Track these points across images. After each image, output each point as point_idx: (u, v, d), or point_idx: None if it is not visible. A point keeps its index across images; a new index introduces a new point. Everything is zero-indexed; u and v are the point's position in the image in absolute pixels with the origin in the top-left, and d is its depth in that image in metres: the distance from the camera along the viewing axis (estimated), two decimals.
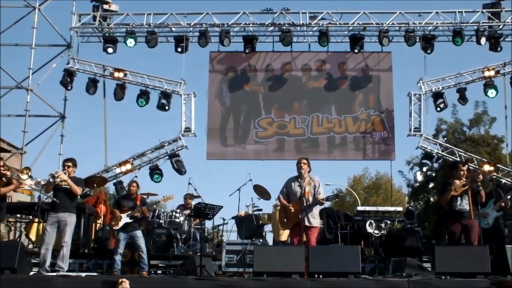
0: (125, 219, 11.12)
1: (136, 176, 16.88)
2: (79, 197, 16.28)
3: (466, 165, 10.40)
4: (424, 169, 18.83)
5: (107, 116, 18.55)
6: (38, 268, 9.87)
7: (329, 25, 17.26)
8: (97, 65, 17.62)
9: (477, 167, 16.73)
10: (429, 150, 17.23)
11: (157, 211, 13.78)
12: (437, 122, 29.12)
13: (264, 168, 44.33)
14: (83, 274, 9.69)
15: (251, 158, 17.87)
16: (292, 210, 9.96)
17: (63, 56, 18.02)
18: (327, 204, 11.95)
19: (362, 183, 42.46)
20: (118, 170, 17.36)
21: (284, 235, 12.39)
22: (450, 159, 17.21)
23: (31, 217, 13.57)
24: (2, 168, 10.36)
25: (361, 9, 17.31)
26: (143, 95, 17.37)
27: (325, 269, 9.00)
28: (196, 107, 17.55)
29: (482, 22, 17.04)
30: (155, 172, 17.13)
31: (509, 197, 11.48)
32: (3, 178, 10.27)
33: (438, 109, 17.21)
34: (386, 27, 17.05)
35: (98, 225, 13.78)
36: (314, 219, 10.05)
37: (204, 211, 11.27)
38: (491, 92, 16.98)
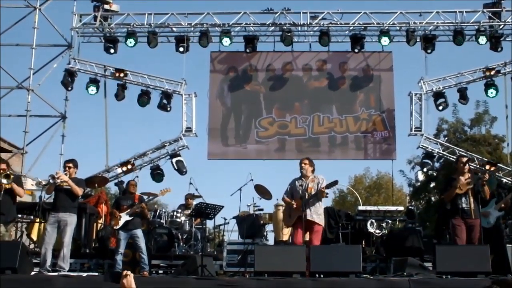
0: (124, 217, 11.14)
1: (137, 176, 16.94)
2: (80, 197, 16.42)
3: (467, 159, 10.40)
4: (425, 168, 18.81)
5: (108, 116, 18.58)
6: (39, 268, 9.88)
7: (330, 25, 17.27)
8: (98, 65, 17.63)
9: (478, 167, 16.73)
10: (430, 150, 17.23)
11: (158, 211, 13.80)
12: (438, 121, 29.13)
13: (265, 168, 44.26)
14: (84, 274, 9.70)
15: (252, 158, 17.88)
16: (295, 205, 10.02)
17: (64, 56, 18.05)
18: (328, 203, 11.93)
19: (363, 183, 42.40)
20: (119, 170, 17.37)
21: (286, 234, 12.41)
22: (451, 158, 17.22)
23: (32, 217, 13.58)
24: (3, 171, 10.35)
25: (362, 9, 17.32)
26: (144, 95, 17.39)
27: (326, 268, 9.00)
28: (197, 107, 17.59)
29: (483, 22, 17.03)
30: (156, 172, 17.15)
31: (510, 197, 11.50)
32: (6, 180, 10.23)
33: (441, 107, 17.20)
34: (387, 27, 17.05)
35: (99, 225, 13.78)
36: (319, 216, 10.11)
37: (205, 211, 11.28)
38: (491, 92, 16.99)
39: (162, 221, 13.22)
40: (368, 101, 17.62)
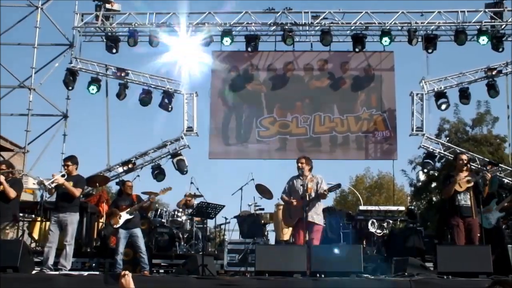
0: (124, 216, 11.14)
1: (138, 176, 16.94)
2: (81, 196, 16.41)
3: (466, 156, 10.39)
4: (426, 169, 18.82)
5: (109, 116, 18.61)
6: (41, 266, 9.89)
7: (331, 24, 17.24)
8: (99, 64, 17.65)
9: (479, 166, 16.72)
10: (432, 150, 17.23)
11: (159, 210, 13.79)
12: (439, 121, 29.15)
13: (266, 167, 44.26)
14: (85, 273, 9.70)
15: (253, 157, 17.86)
16: (295, 203, 10.02)
17: (66, 55, 18.04)
18: (329, 203, 11.93)
19: (364, 183, 42.44)
20: (120, 169, 17.37)
21: (286, 234, 12.41)
22: (453, 158, 17.21)
23: (33, 216, 13.60)
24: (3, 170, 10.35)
25: (363, 8, 17.30)
26: (146, 95, 17.40)
27: (327, 268, 9.00)
28: (198, 106, 17.59)
29: (485, 22, 17.01)
30: (157, 171, 17.16)
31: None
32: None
33: (443, 107, 17.18)
34: (388, 27, 17.03)
35: (100, 224, 13.80)
36: (318, 216, 10.11)
37: (206, 210, 11.28)
38: (494, 93, 17.04)
39: (163, 220, 13.23)
40: (369, 101, 17.61)
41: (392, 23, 17.09)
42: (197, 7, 17.95)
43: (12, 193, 10.26)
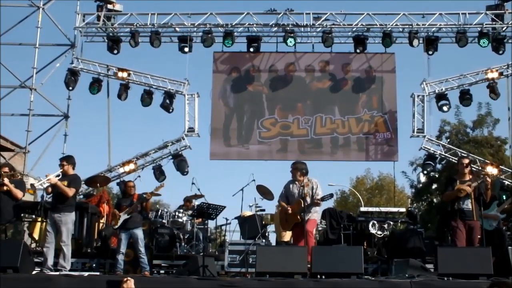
0: (123, 217, 11.14)
1: (139, 176, 16.92)
2: (82, 196, 16.42)
3: (468, 160, 10.38)
4: (426, 171, 18.83)
5: (110, 116, 18.63)
6: (41, 267, 9.88)
7: (333, 26, 17.28)
8: (101, 64, 17.68)
9: (480, 168, 16.72)
10: (432, 151, 17.25)
11: (160, 210, 13.78)
12: (440, 123, 29.11)
13: (267, 169, 44.38)
14: (86, 274, 9.68)
15: (255, 158, 17.90)
16: (290, 211, 10.06)
17: (67, 55, 18.08)
18: (330, 204, 11.95)
19: (365, 184, 42.40)
20: (121, 170, 17.41)
21: (287, 235, 12.40)
22: (453, 160, 17.21)
23: (34, 216, 13.59)
24: (5, 173, 10.37)
25: (365, 10, 17.35)
26: (147, 95, 17.42)
27: (328, 269, 8.99)
28: (199, 107, 17.61)
29: (486, 24, 17.02)
30: (159, 172, 17.18)
31: None
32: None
33: (445, 108, 17.21)
34: (389, 28, 17.04)
35: (101, 224, 13.79)
36: (314, 213, 10.27)
37: (207, 211, 11.28)
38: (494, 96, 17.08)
39: (164, 221, 13.20)
40: (370, 103, 17.62)
41: (394, 24, 17.11)
42: (198, 8, 17.97)
43: (19, 194, 10.36)
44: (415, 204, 32.56)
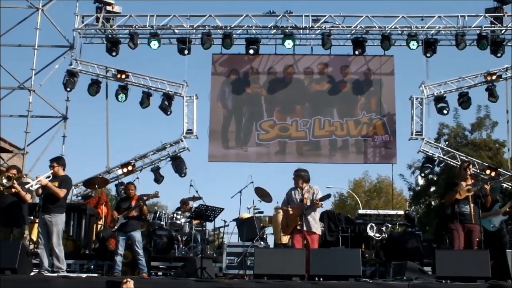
0: (121, 219, 11.12)
1: (137, 178, 16.93)
2: (80, 198, 16.41)
3: (466, 170, 10.40)
4: (423, 173, 18.83)
5: (109, 118, 18.63)
6: (39, 269, 9.87)
7: (332, 28, 17.29)
8: (99, 66, 17.67)
9: (478, 171, 16.74)
10: (431, 154, 17.26)
11: (158, 212, 13.78)
12: (438, 126, 29.11)
13: (266, 171, 44.29)
14: (84, 275, 9.68)
15: (253, 161, 17.89)
16: (291, 212, 10.06)
17: (66, 57, 18.06)
18: (328, 207, 11.96)
19: (363, 186, 42.39)
20: (119, 172, 17.40)
21: (285, 237, 12.40)
22: (452, 163, 17.25)
23: (32, 217, 13.57)
24: (13, 175, 10.35)
25: (364, 12, 17.42)
26: (146, 97, 17.43)
27: (326, 272, 9.00)
28: (198, 109, 17.62)
29: (485, 27, 17.04)
30: (157, 174, 17.20)
31: None
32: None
33: (445, 111, 17.23)
34: (388, 31, 17.06)
35: (99, 226, 13.78)
36: (315, 223, 10.15)
37: (205, 213, 11.29)
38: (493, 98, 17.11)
39: (162, 223, 13.21)
40: (369, 105, 17.62)
41: (393, 27, 17.12)
42: (197, 10, 17.98)
43: (28, 196, 10.31)
44: (413, 207, 32.55)
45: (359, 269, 9.07)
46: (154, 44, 17.24)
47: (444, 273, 8.91)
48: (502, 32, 17.10)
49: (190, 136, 17.41)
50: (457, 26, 17.01)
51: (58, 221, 10.05)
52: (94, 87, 17.45)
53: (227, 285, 8.86)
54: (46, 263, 9.86)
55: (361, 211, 14.64)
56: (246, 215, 13.54)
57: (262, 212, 13.67)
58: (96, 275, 10.79)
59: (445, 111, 17.24)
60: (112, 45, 17.55)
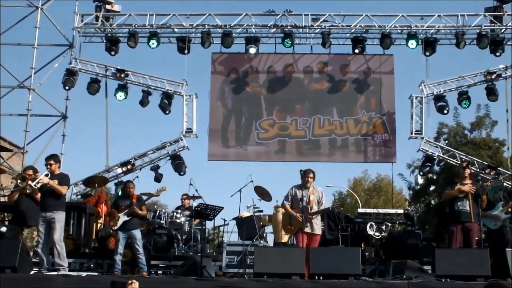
0: (122, 218, 11.11)
1: (137, 177, 16.96)
2: (80, 196, 16.42)
3: (465, 169, 10.40)
4: (422, 172, 18.83)
5: (108, 116, 18.63)
6: (39, 267, 9.87)
7: (331, 27, 17.30)
8: (99, 65, 17.66)
9: (478, 170, 16.75)
10: (430, 153, 17.27)
11: (158, 211, 13.79)
12: (438, 125, 29.10)
13: (265, 170, 44.35)
14: (84, 274, 9.70)
15: (252, 160, 17.93)
16: (300, 219, 10.05)
17: (65, 56, 18.06)
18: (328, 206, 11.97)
19: (363, 185, 42.40)
20: (119, 170, 17.40)
21: (285, 236, 12.40)
22: (451, 162, 17.26)
23: None
24: (29, 176, 10.37)
25: (364, 11, 17.41)
26: (145, 96, 17.43)
27: (326, 270, 9.01)
28: (197, 108, 17.61)
29: (484, 26, 17.05)
30: (156, 172, 17.20)
31: None
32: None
33: (445, 111, 17.24)
34: (388, 30, 17.07)
35: (99, 225, 13.78)
36: (317, 226, 10.27)
37: (205, 212, 11.29)
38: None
39: (161, 221, 13.21)
40: (368, 104, 17.63)
41: (392, 26, 17.12)
42: (197, 9, 17.99)
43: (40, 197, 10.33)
44: (412, 206, 32.57)
45: (359, 268, 9.08)
46: (153, 43, 17.24)
47: (443, 272, 8.92)
48: (502, 31, 17.12)
49: (189, 135, 17.41)
50: (457, 25, 17.02)
51: (61, 218, 10.06)
52: (93, 86, 17.43)
53: (227, 283, 8.86)
54: (46, 261, 9.86)
55: (360, 210, 14.65)
56: (245, 214, 13.54)
57: (261, 211, 13.68)
58: (96, 273, 10.83)
59: (445, 110, 17.24)
60: (112, 44, 17.54)
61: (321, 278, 8.97)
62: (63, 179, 10.26)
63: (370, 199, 39.66)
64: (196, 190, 13.72)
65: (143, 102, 17.48)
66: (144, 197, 11.76)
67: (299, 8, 25.17)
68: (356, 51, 17.25)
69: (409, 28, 17.11)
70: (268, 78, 17.92)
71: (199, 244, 13.04)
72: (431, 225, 25.10)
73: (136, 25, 17.45)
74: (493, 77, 16.94)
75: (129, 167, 17.33)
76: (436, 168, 25.76)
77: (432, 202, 31.20)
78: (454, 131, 29.67)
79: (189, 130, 17.39)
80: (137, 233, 11.14)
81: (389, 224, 13.24)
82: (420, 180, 32.59)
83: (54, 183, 10.03)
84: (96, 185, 14.42)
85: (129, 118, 58.35)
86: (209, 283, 8.79)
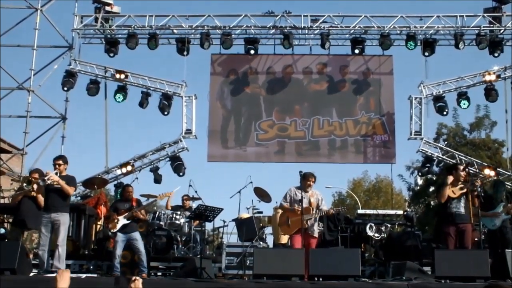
0: (122, 221, 11.09)
1: (136, 178, 16.94)
2: (79, 198, 16.39)
3: (466, 169, 10.39)
4: (421, 172, 18.83)
5: (108, 118, 18.63)
6: (38, 269, 9.85)
7: (331, 28, 17.30)
8: (98, 66, 17.67)
9: (477, 171, 16.75)
10: (430, 154, 17.28)
11: (157, 212, 13.76)
12: (437, 126, 29.12)
13: (265, 171, 44.33)
14: (83, 276, 9.68)
15: (252, 161, 17.91)
16: (298, 213, 10.03)
17: (65, 57, 18.10)
18: (328, 206, 11.97)
19: (362, 186, 42.38)
20: (118, 172, 17.42)
21: (285, 238, 12.39)
22: (451, 162, 17.24)
23: None
24: (35, 179, 10.36)
25: (363, 12, 17.39)
26: (145, 97, 17.43)
27: (325, 272, 8.99)
28: (197, 109, 17.64)
29: (483, 27, 17.06)
30: (156, 174, 17.20)
31: None
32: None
33: (444, 112, 17.23)
34: (387, 31, 17.07)
35: (98, 226, 13.76)
36: (316, 228, 10.35)
37: (204, 213, 11.27)
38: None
39: (161, 223, 13.18)
40: (368, 105, 17.64)
41: (391, 27, 17.13)
42: (196, 10, 17.99)
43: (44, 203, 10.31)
44: (412, 207, 32.56)
45: (358, 269, 9.06)
46: (152, 44, 17.26)
47: (443, 273, 8.90)
48: (501, 31, 17.14)
49: (189, 136, 17.42)
50: (456, 26, 17.04)
51: (66, 220, 10.02)
52: (93, 87, 17.44)
53: (226, 285, 8.85)
54: (46, 263, 9.84)
55: (360, 211, 14.64)
56: (245, 215, 13.54)
57: (261, 212, 13.67)
58: (95, 275, 10.79)
59: (444, 111, 17.24)
60: (111, 45, 17.55)
61: (320, 279, 8.95)
62: (71, 181, 10.21)
63: (369, 200, 39.64)
64: (196, 192, 13.73)
65: (143, 104, 17.49)
66: (144, 199, 11.76)
67: (298, 9, 25.20)
68: (356, 51, 17.26)
69: (408, 29, 17.12)
70: (268, 79, 17.94)
71: (198, 245, 13.01)
72: (430, 226, 25.09)
73: (135, 27, 17.47)
74: (492, 77, 16.94)
75: (128, 168, 17.34)
76: (436, 169, 25.76)
77: (432, 203, 31.16)
78: (454, 132, 29.69)
79: (189, 131, 17.40)
80: (137, 235, 11.14)
81: (389, 225, 13.22)
82: (420, 181, 32.60)
83: (63, 182, 10.00)
84: (95, 186, 14.39)
85: (128, 119, 58.28)
86: (208, 285, 8.77)
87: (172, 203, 13.87)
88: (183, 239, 13.29)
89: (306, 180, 10.40)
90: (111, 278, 9.40)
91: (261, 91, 17.91)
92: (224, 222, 13.77)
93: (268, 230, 13.59)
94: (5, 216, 12.91)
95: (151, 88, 17.55)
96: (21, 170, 17.46)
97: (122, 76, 17.38)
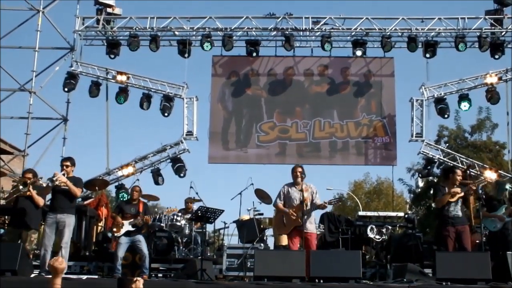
0: (127, 226, 11.05)
1: (137, 179, 16.93)
2: (80, 199, 16.39)
3: (466, 171, 10.40)
4: (422, 173, 18.82)
5: (109, 119, 18.64)
6: (39, 270, 9.85)
7: (332, 30, 17.31)
8: (100, 68, 17.68)
9: (478, 173, 16.74)
10: (431, 156, 17.27)
11: (158, 214, 13.76)
12: (439, 128, 29.13)
13: (266, 172, 44.37)
14: (84, 277, 9.68)
15: (253, 162, 17.88)
16: (294, 217, 9.96)
17: (67, 59, 18.10)
18: (328, 208, 11.94)
19: (363, 188, 42.39)
20: (120, 173, 17.41)
21: (285, 239, 12.39)
22: (452, 165, 17.23)
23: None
24: (30, 180, 10.36)
25: (364, 14, 17.37)
26: (146, 99, 17.44)
27: (326, 273, 8.99)
28: (198, 111, 17.62)
29: (485, 29, 17.06)
30: (157, 175, 17.19)
31: None
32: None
33: (446, 115, 17.22)
34: (388, 33, 17.08)
35: (99, 228, 13.77)
36: (311, 225, 10.12)
37: (205, 215, 11.29)
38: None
39: (162, 224, 13.19)
40: (369, 107, 17.63)
41: (393, 29, 17.14)
42: (198, 12, 18.01)
43: (41, 202, 10.32)
44: (413, 209, 32.56)
45: (359, 271, 9.05)
46: (153, 46, 17.28)
47: (444, 275, 8.90)
48: (502, 34, 17.13)
49: (190, 138, 17.42)
50: (457, 28, 17.04)
51: (71, 222, 10.05)
52: (94, 89, 17.46)
53: (227, 287, 8.86)
54: (47, 264, 9.83)
55: (361, 213, 14.63)
56: (246, 216, 13.54)
57: (262, 214, 13.68)
58: (96, 276, 10.79)
59: (445, 113, 17.22)
60: (112, 47, 17.57)
61: (321, 281, 8.95)
62: (78, 182, 10.26)
63: (370, 202, 39.68)
64: (197, 193, 13.74)
65: (143, 105, 17.48)
66: (146, 200, 11.74)
67: (300, 11, 25.26)
68: (357, 53, 17.26)
69: (409, 31, 17.12)
70: (269, 81, 17.94)
71: (199, 247, 13.02)
72: (431, 228, 25.05)
73: (136, 28, 17.49)
74: (493, 80, 16.94)
75: (129, 169, 17.34)
76: (437, 171, 25.75)
77: (433, 205, 31.16)
78: (455, 134, 29.71)
79: (190, 133, 17.40)
80: (141, 237, 11.11)
81: (390, 227, 13.20)
82: (421, 183, 32.60)
83: (71, 184, 10.01)
84: (96, 188, 14.39)
85: (129, 121, 58.43)
86: (209, 286, 8.78)
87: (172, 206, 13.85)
88: (184, 240, 13.29)
89: (293, 172, 10.29)
90: (112, 280, 9.40)
91: (262, 92, 17.92)
92: (225, 223, 13.79)
93: (269, 231, 13.60)
94: (5, 217, 12.91)
95: (152, 90, 17.56)
96: (22, 171, 17.46)
97: (124, 77, 17.41)
